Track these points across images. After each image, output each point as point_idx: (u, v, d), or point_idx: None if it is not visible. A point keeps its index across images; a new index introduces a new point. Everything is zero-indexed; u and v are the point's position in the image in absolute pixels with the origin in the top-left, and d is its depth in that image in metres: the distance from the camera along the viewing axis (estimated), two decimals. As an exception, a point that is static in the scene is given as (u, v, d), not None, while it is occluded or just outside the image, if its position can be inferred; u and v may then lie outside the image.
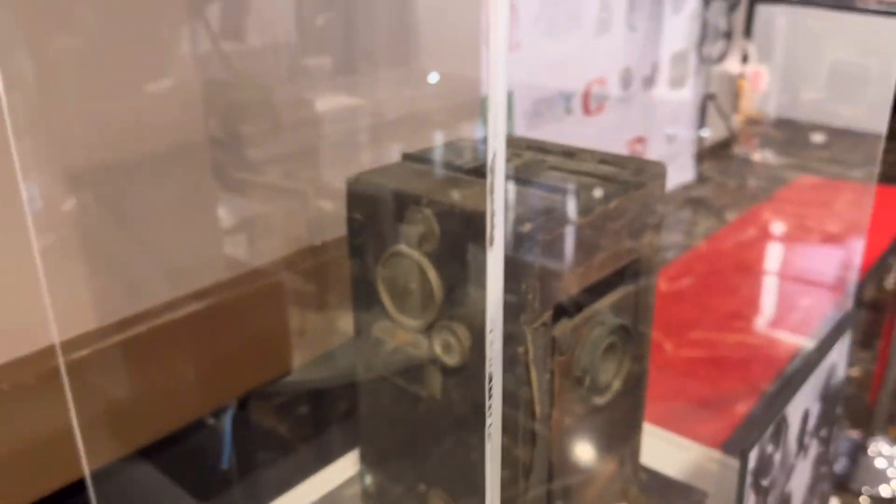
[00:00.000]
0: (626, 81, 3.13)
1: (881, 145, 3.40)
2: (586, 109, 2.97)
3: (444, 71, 1.92)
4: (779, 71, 4.30)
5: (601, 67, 2.97)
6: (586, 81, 2.92)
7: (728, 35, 3.49)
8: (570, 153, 0.86)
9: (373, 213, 0.79)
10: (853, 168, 4.05)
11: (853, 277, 2.16)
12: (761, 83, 4.92)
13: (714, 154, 4.26)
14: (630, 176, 0.80)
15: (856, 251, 3.05)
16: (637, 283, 0.86)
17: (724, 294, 2.74)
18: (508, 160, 0.82)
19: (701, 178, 3.81)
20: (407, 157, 0.88)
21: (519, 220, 0.67)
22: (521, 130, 2.64)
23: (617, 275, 0.83)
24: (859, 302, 2.68)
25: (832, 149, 4.43)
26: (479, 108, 2.40)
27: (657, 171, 0.83)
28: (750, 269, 2.86)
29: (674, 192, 3.67)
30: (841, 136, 4.65)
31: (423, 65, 1.85)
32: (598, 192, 0.74)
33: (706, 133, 4.10)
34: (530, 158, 0.84)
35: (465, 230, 0.69)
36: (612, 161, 0.84)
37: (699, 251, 3.13)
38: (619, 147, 3.25)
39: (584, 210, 0.72)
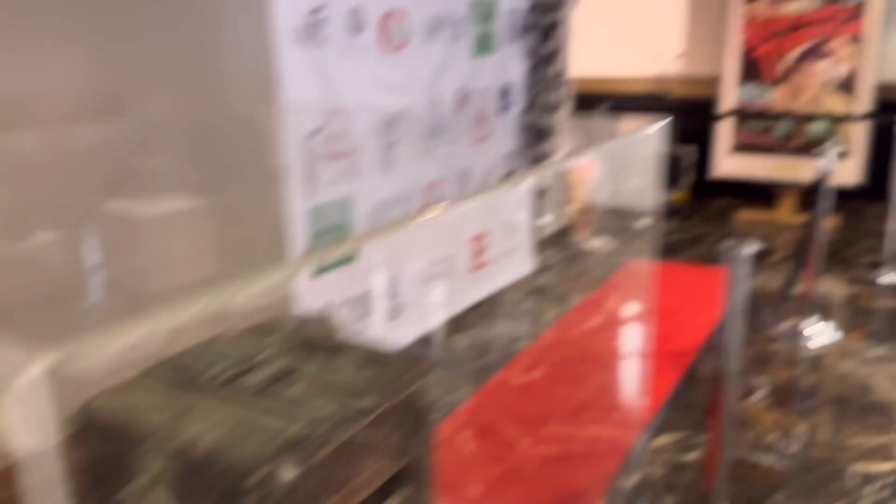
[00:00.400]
0: (463, 181, 3.21)
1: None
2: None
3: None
4: (606, 162, 4.59)
5: (438, 170, 3.03)
6: (423, 183, 2.96)
7: (554, 134, 3.69)
8: (335, 350, 0.81)
9: (103, 448, 0.67)
10: (675, 252, 4.36)
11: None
12: (591, 174, 5.24)
13: (553, 243, 4.44)
14: (390, 380, 0.76)
15: (686, 332, 3.23)
16: (415, 483, 0.81)
17: (573, 384, 2.78)
18: (260, 367, 0.75)
19: (542, 268, 3.94)
20: (162, 364, 0.77)
21: (268, 458, 0.59)
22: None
23: (390, 482, 0.77)
24: (693, 380, 2.81)
25: (655, 232, 4.76)
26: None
27: (420, 369, 0.80)
28: (593, 357, 2.94)
29: (518, 283, 3.76)
30: (664, 219, 5.02)
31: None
32: (350, 412, 0.69)
33: (543, 224, 4.26)
34: (284, 368, 0.77)
35: (201, 474, 0.60)
36: (376, 360, 0.79)
37: (545, 340, 3.19)
38: (461, 244, 3.30)
39: (335, 435, 0.66)
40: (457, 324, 3.24)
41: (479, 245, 3.41)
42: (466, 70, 3.10)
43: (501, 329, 3.23)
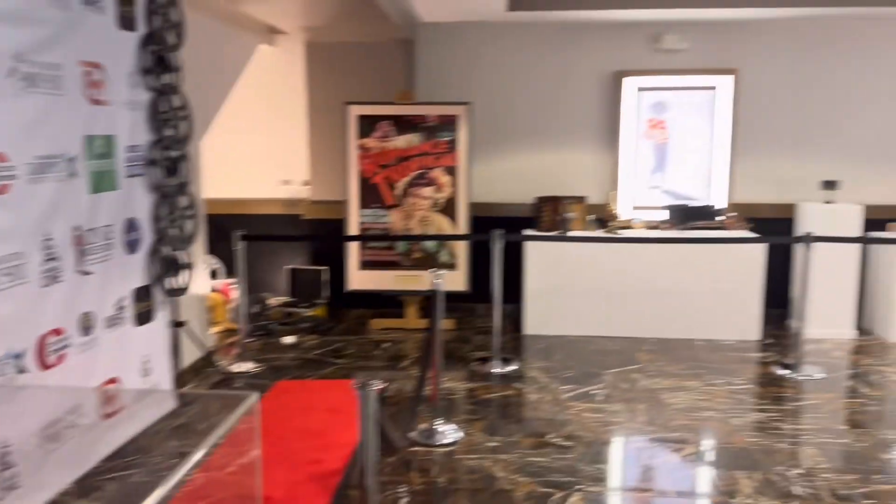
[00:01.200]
0: (86, 326, 2.89)
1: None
2: (44, 365, 2.62)
3: None
4: (244, 283, 4.54)
5: (56, 317, 2.68)
6: (39, 335, 2.59)
7: (189, 266, 3.55)
8: None
9: None
10: (319, 367, 4.45)
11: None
12: (231, 295, 5.14)
13: (196, 373, 4.20)
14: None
15: (334, 450, 3.27)
16: None
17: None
18: None
19: (185, 402, 3.68)
20: None
21: None
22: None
23: None
24: (344, 499, 2.84)
25: (299, 349, 4.82)
26: None
27: None
28: (245, 495, 2.79)
29: (158, 424, 3.45)
30: (305, 335, 5.12)
31: None
32: None
33: (184, 356, 4.02)
34: None
35: None
36: None
37: (193, 485, 2.95)
38: (87, 392, 2.94)
39: None
40: (88, 482, 2.83)
41: (111, 388, 3.07)
42: (85, 208, 2.85)
43: (140, 479, 2.91)
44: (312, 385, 4.11)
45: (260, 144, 5.67)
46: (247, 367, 4.34)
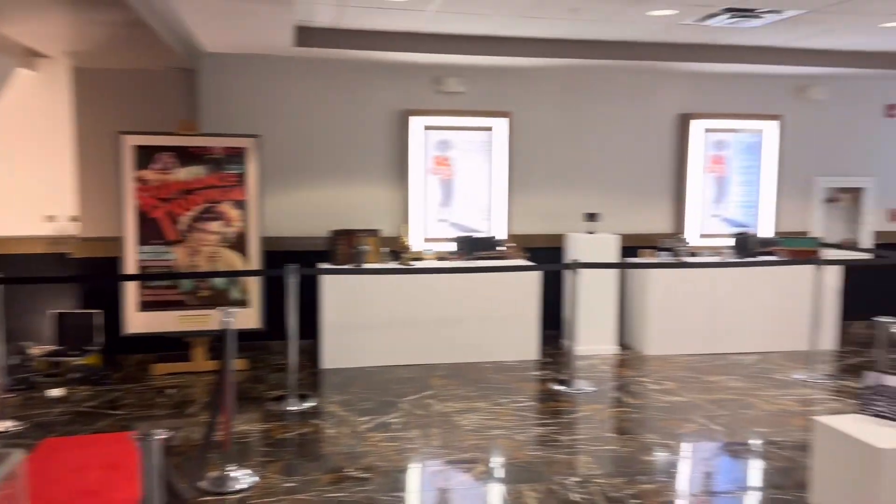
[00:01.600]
0: None
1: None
2: None
3: None
4: (0, 331, 4.01)
5: None
6: None
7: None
8: None
9: None
10: (92, 421, 4.03)
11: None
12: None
13: (-62, 439, 3.61)
14: None
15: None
16: None
17: None
18: None
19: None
20: None
21: None
22: None
23: None
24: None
25: (68, 402, 4.32)
26: None
27: None
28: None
29: None
30: (76, 387, 4.62)
31: None
32: None
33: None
34: None
35: None
36: None
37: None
38: None
39: None
40: None
41: None
42: None
43: None
44: (86, 441, 3.71)
45: (19, 177, 5.08)
46: (5, 425, 3.82)
